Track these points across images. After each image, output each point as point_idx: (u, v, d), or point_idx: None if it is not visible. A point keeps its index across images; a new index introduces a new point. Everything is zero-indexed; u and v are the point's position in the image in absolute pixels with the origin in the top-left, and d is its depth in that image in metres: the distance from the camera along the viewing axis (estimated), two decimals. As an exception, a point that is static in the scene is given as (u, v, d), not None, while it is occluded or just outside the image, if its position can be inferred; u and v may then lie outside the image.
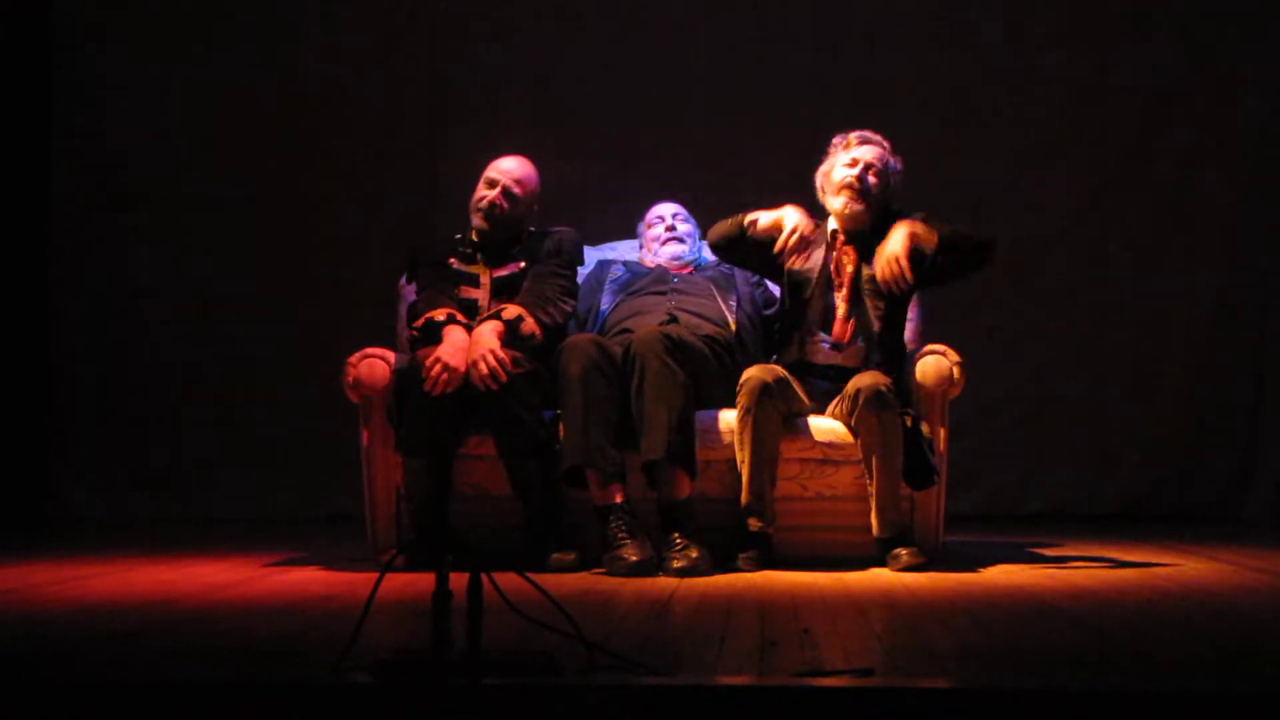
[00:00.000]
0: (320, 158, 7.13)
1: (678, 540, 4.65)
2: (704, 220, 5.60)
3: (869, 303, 5.00)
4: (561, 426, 4.83)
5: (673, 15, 7.13)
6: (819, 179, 5.11)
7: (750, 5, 7.13)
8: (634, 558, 4.59)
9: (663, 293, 5.27)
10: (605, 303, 5.33)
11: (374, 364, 4.92)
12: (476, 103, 7.06)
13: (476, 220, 5.16)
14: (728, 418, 4.87)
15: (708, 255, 5.53)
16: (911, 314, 5.37)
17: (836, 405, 4.92)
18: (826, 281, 5.06)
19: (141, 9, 7.19)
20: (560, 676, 2.75)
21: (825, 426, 4.93)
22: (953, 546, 5.25)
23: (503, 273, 5.12)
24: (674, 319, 5.09)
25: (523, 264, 5.12)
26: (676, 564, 4.58)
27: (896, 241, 4.85)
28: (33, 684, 2.82)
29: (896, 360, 5.00)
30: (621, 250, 5.66)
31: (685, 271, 5.41)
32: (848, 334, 5.00)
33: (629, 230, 5.69)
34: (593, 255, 5.53)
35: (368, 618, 2.89)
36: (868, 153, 5.06)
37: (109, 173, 7.17)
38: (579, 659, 2.84)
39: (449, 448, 4.84)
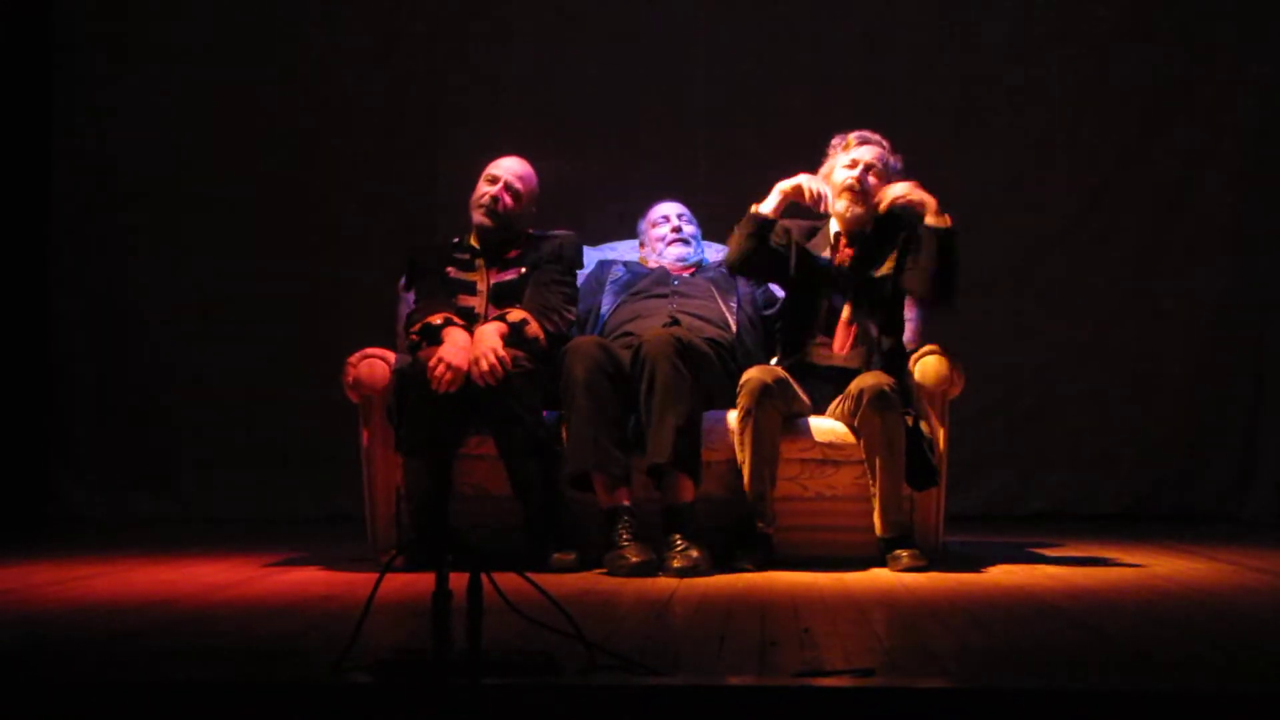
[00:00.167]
0: (320, 158, 7.13)
1: (678, 541, 4.65)
2: (704, 220, 5.60)
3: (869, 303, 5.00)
4: (565, 429, 4.82)
5: (673, 15, 7.12)
6: (820, 181, 5.10)
7: (751, 5, 7.12)
8: (635, 558, 4.59)
9: (664, 295, 5.26)
10: (606, 304, 5.33)
11: (374, 364, 4.92)
12: (476, 103, 7.06)
13: (478, 217, 5.15)
14: (728, 419, 4.87)
15: (709, 256, 5.53)
16: (911, 314, 5.37)
17: (839, 405, 4.92)
18: (829, 283, 5.05)
19: (141, 10, 7.19)
20: (560, 676, 2.75)
21: (825, 427, 4.93)
22: (953, 546, 5.25)
23: (502, 278, 5.11)
24: (675, 322, 5.09)
25: (523, 270, 5.11)
26: (677, 564, 4.58)
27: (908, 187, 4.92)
28: (33, 684, 2.82)
29: (897, 361, 4.99)
30: (621, 250, 5.65)
31: (687, 273, 5.41)
32: (849, 339, 4.99)
33: (629, 230, 5.68)
34: (593, 255, 5.53)
35: (368, 618, 2.89)
36: (867, 153, 5.05)
37: (109, 173, 7.17)
38: (579, 659, 2.84)
39: (449, 448, 4.84)
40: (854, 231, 5.06)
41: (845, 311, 5.00)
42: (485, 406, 4.78)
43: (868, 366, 4.94)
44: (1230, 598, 4.12)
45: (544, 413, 4.86)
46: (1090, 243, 7.07)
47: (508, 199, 5.14)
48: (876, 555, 4.84)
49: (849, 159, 5.05)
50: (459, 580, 2.79)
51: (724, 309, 5.22)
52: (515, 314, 4.93)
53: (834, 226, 5.11)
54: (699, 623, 3.65)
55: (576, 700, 2.67)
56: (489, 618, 2.80)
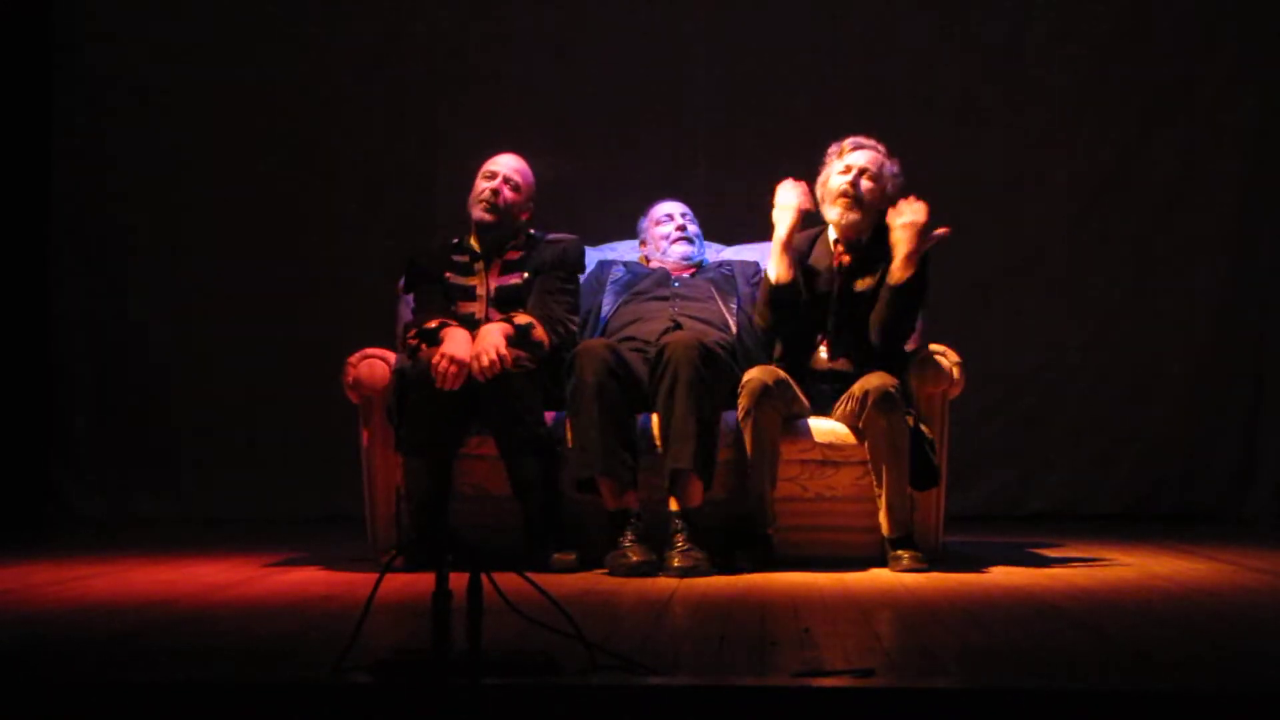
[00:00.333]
0: (320, 158, 7.13)
1: (681, 542, 4.65)
2: (704, 220, 5.60)
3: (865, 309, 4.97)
4: (570, 431, 4.82)
5: (673, 16, 7.12)
6: (818, 190, 5.07)
7: (751, 5, 7.12)
8: (636, 558, 4.60)
9: (665, 298, 5.25)
10: (606, 304, 5.32)
11: (374, 364, 4.92)
12: (476, 102, 7.06)
13: (479, 213, 5.14)
14: (728, 419, 4.87)
15: (710, 256, 5.53)
16: (911, 314, 5.37)
17: (842, 406, 4.91)
18: (827, 293, 5.02)
19: (141, 10, 7.18)
20: (560, 676, 2.75)
21: (825, 428, 4.92)
22: (953, 546, 5.25)
23: (505, 282, 5.10)
24: (677, 325, 5.08)
25: (525, 275, 5.10)
26: (678, 564, 4.59)
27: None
28: (33, 684, 2.82)
29: (898, 362, 4.98)
30: (621, 250, 5.65)
31: (687, 274, 5.40)
32: (837, 347, 4.97)
33: (629, 230, 5.68)
34: (593, 255, 5.52)
35: (368, 618, 2.89)
36: (860, 158, 5.03)
37: (109, 173, 7.17)
38: (579, 659, 2.84)
39: (449, 448, 4.84)
40: (851, 240, 5.03)
41: (832, 321, 4.98)
42: (486, 406, 4.79)
43: (861, 372, 4.92)
44: (1230, 598, 4.12)
45: (545, 414, 4.86)
46: (1090, 243, 7.07)
47: (508, 193, 5.14)
48: (876, 555, 4.84)
49: (843, 165, 5.03)
50: (459, 580, 2.79)
51: (724, 311, 5.22)
52: (521, 317, 4.93)
53: (832, 233, 5.09)
54: (699, 623, 3.65)
55: (576, 700, 2.67)
56: (489, 618, 2.80)
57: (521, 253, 5.16)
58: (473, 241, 5.20)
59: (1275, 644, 3.38)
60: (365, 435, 4.97)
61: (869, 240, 5.02)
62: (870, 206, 5.00)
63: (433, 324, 4.91)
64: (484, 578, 2.81)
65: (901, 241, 4.88)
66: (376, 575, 2.95)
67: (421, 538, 4.76)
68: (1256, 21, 7.02)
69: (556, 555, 4.71)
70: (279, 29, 7.16)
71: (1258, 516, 6.84)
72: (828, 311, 4.98)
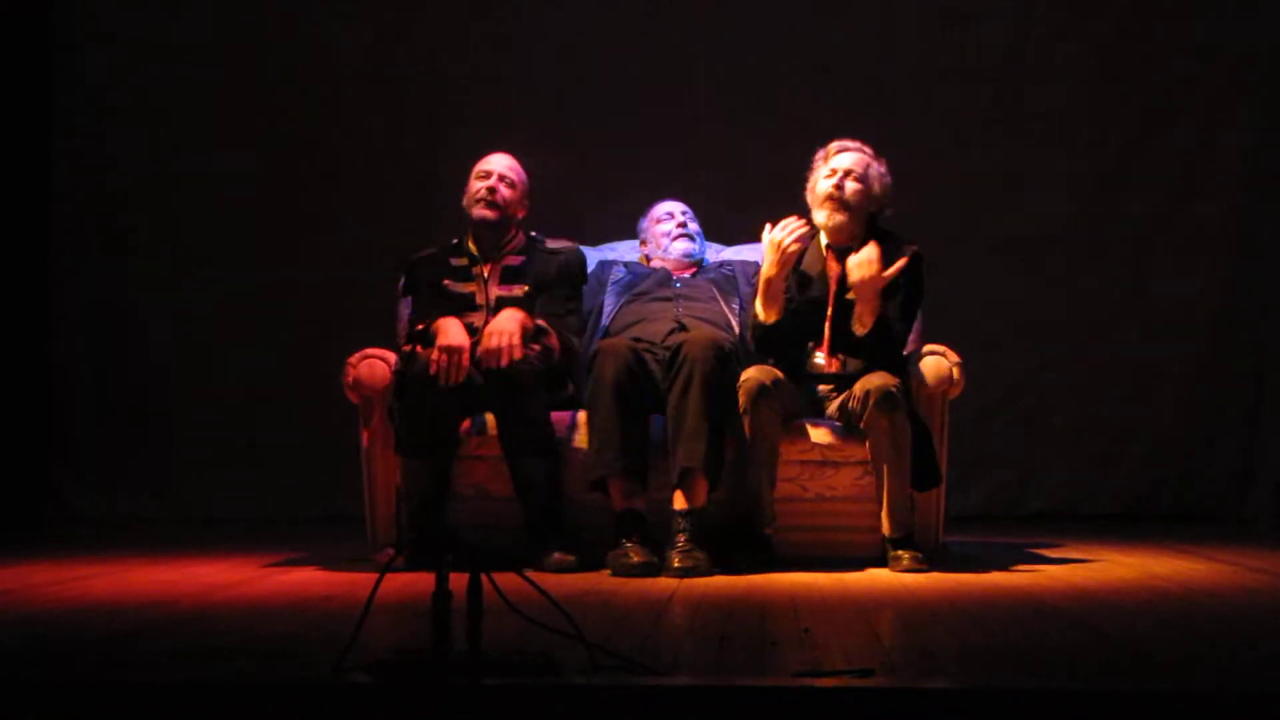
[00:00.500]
0: (320, 158, 7.13)
1: (682, 541, 4.65)
2: (704, 220, 5.60)
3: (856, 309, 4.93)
4: (586, 428, 4.81)
5: (673, 16, 7.12)
6: (807, 195, 5.05)
7: (751, 5, 7.12)
8: (637, 559, 4.60)
9: (668, 298, 5.25)
10: (608, 305, 5.32)
11: (374, 364, 4.92)
12: (476, 103, 7.05)
13: (479, 211, 5.13)
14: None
15: (710, 256, 5.53)
16: (911, 314, 5.36)
17: (842, 406, 4.91)
18: (818, 298, 5.00)
19: (141, 10, 7.18)
20: (560, 676, 2.75)
21: (825, 428, 4.92)
22: (953, 546, 5.25)
23: (506, 293, 5.08)
24: (682, 326, 5.07)
25: (526, 288, 5.09)
26: (678, 564, 4.58)
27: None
28: (33, 684, 2.82)
29: (897, 362, 4.97)
30: (621, 250, 5.65)
31: (688, 274, 5.40)
32: (830, 354, 4.95)
33: (629, 230, 5.68)
34: (593, 255, 5.52)
35: (368, 618, 2.89)
36: (845, 160, 5.01)
37: (109, 173, 7.17)
38: (579, 659, 2.84)
39: (447, 449, 4.84)
40: (842, 247, 5.00)
41: (826, 330, 4.94)
42: (492, 401, 4.78)
43: (857, 373, 4.89)
44: (1230, 598, 4.12)
45: (550, 414, 4.86)
46: (1090, 243, 7.07)
47: (504, 190, 5.14)
48: (876, 555, 4.84)
49: (828, 169, 5.01)
50: (459, 580, 2.79)
51: (726, 311, 5.22)
52: (540, 319, 4.94)
53: (824, 238, 5.07)
54: (699, 623, 3.65)
55: (576, 700, 2.67)
56: (489, 618, 2.80)
57: (522, 258, 5.16)
58: (470, 244, 5.19)
59: (1275, 644, 3.38)
60: (365, 435, 4.97)
61: (860, 246, 4.97)
62: (857, 208, 4.97)
63: (421, 325, 4.90)
64: (484, 578, 2.81)
65: (858, 300, 4.83)
66: (376, 575, 2.95)
67: (417, 538, 4.75)
68: (1258, 21, 7.02)
69: (557, 555, 4.71)
70: (279, 29, 7.16)
71: (1258, 516, 6.84)
72: (821, 318, 4.94)
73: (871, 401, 4.74)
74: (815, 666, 2.90)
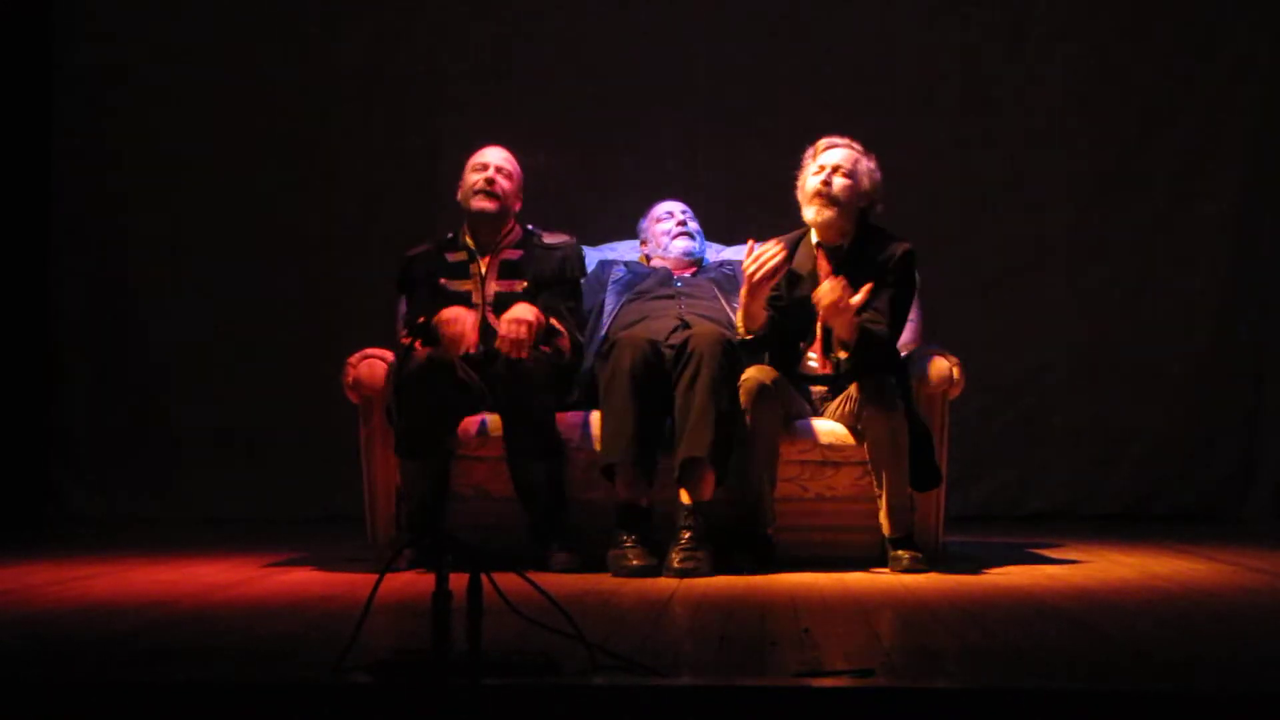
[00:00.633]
0: (320, 158, 7.13)
1: (685, 539, 4.64)
2: (704, 220, 5.60)
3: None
4: (600, 417, 4.81)
5: (674, 16, 7.11)
6: (797, 194, 5.02)
7: (752, 5, 7.11)
8: (637, 561, 4.60)
9: (670, 297, 5.25)
10: (609, 304, 5.32)
11: (374, 364, 4.92)
12: (477, 103, 7.05)
13: (479, 203, 5.09)
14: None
15: (710, 256, 5.53)
16: (912, 314, 5.35)
17: (839, 407, 4.91)
18: (810, 300, 4.98)
19: (141, 10, 7.18)
20: (560, 676, 2.75)
21: (825, 428, 4.92)
22: (953, 546, 5.25)
23: (505, 289, 5.05)
24: (685, 324, 5.07)
25: (525, 284, 5.07)
26: (679, 564, 4.58)
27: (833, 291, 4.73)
28: (33, 684, 2.82)
29: (892, 362, 4.95)
30: (622, 250, 5.65)
31: (688, 273, 5.40)
32: (824, 357, 4.93)
33: (629, 230, 5.69)
34: (593, 255, 5.52)
35: (368, 618, 2.89)
36: (833, 156, 4.98)
37: (109, 173, 7.17)
38: (579, 659, 2.84)
39: (443, 448, 4.82)
40: (833, 245, 4.98)
41: (818, 329, 4.91)
42: (497, 403, 4.78)
43: (850, 373, 4.87)
44: (1230, 598, 4.12)
45: (556, 416, 4.85)
46: (1090, 242, 7.07)
47: (502, 181, 5.12)
48: (876, 555, 4.84)
49: (816, 166, 4.99)
50: (459, 580, 2.79)
51: (728, 310, 5.22)
52: (554, 320, 4.93)
53: (814, 237, 5.04)
54: (699, 623, 3.65)
55: (576, 700, 2.67)
56: (489, 618, 2.80)
57: (519, 252, 5.15)
58: (467, 238, 5.17)
59: (1275, 644, 3.38)
60: (365, 435, 4.97)
61: (850, 245, 4.96)
62: (846, 204, 4.93)
63: (423, 319, 4.90)
64: (484, 578, 2.81)
65: (833, 328, 4.81)
66: (376, 575, 2.95)
67: (418, 538, 4.74)
68: (1257, 21, 7.02)
69: (559, 555, 4.70)
70: (279, 29, 7.16)
71: (1258, 516, 6.84)
72: (812, 318, 4.89)
73: (868, 402, 4.73)
74: (815, 666, 2.90)
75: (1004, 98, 7.08)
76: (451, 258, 5.16)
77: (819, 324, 4.88)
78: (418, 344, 4.86)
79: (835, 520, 4.96)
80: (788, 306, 4.92)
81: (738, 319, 4.94)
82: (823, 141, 5.03)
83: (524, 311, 4.82)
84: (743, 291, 4.85)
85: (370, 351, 4.96)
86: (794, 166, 5.07)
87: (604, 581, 4.46)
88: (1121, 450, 7.03)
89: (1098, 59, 7.07)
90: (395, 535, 4.91)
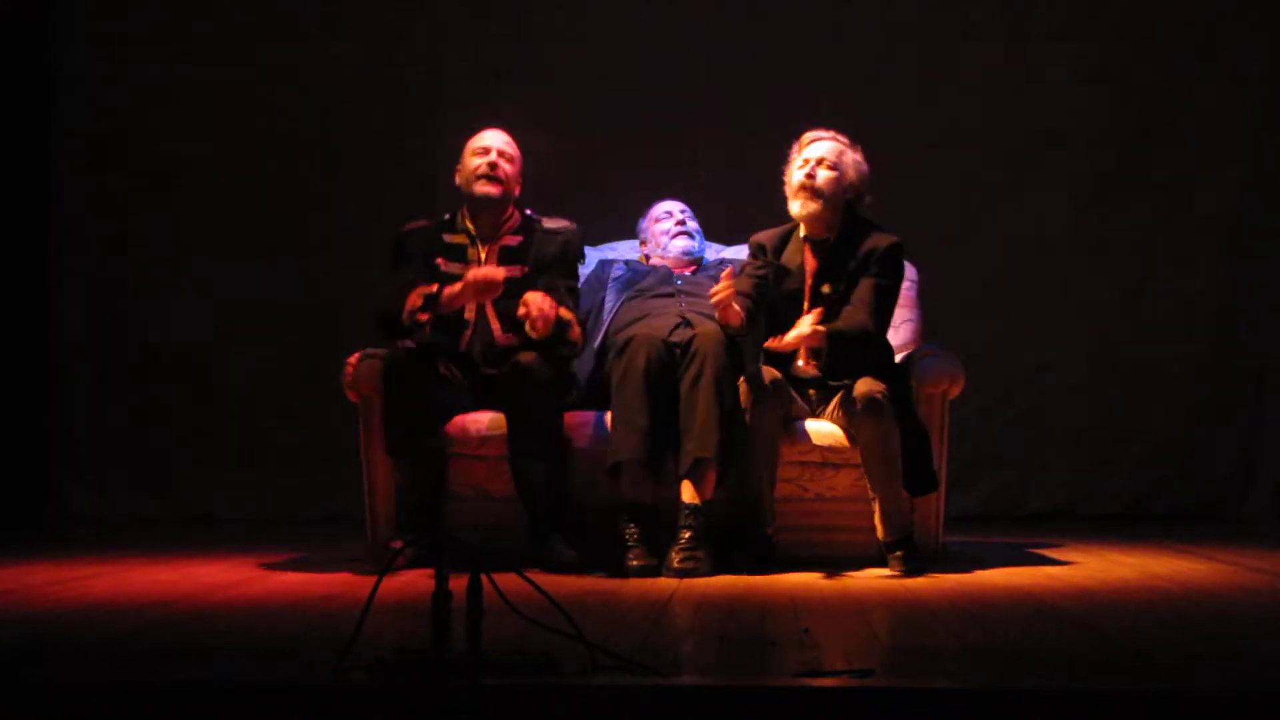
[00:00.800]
0: (320, 157, 7.12)
1: (685, 539, 4.64)
2: (703, 220, 5.60)
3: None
4: (611, 414, 4.80)
5: (674, 16, 7.11)
6: (785, 188, 5.01)
7: (752, 6, 7.11)
8: (637, 562, 4.60)
9: (670, 294, 5.25)
10: (609, 302, 5.32)
11: (373, 364, 4.91)
12: (477, 103, 7.03)
13: (482, 188, 5.02)
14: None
15: (710, 255, 5.53)
16: (911, 314, 5.36)
17: (834, 410, 4.90)
18: (797, 294, 4.96)
19: (141, 9, 7.18)
20: (560, 676, 2.75)
21: (825, 430, 4.91)
22: (953, 546, 5.25)
23: (508, 273, 4.99)
24: (686, 322, 5.07)
25: (526, 268, 5.04)
26: (679, 564, 4.58)
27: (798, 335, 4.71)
28: (33, 684, 2.82)
29: (887, 366, 4.92)
30: (622, 250, 5.66)
31: (688, 271, 5.40)
32: (806, 352, 4.89)
33: (629, 231, 5.69)
34: (593, 255, 5.52)
35: (368, 618, 2.89)
36: (817, 149, 4.95)
37: (109, 172, 7.17)
38: (579, 659, 2.84)
39: (431, 448, 4.80)
40: (819, 238, 4.95)
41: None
42: (500, 401, 4.76)
43: (834, 376, 4.86)
44: (1230, 598, 4.12)
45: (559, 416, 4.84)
46: (1090, 242, 7.07)
47: (505, 165, 5.06)
48: (877, 555, 4.83)
49: (800, 159, 4.98)
50: (459, 580, 2.79)
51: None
52: (565, 311, 4.89)
53: (802, 231, 5.01)
54: (699, 623, 3.65)
55: (576, 700, 2.67)
56: (489, 618, 2.80)
57: (520, 237, 5.08)
58: (467, 222, 5.11)
59: (1275, 644, 3.38)
60: (365, 435, 4.97)
61: (836, 239, 4.93)
62: (831, 196, 4.90)
63: (432, 288, 4.83)
64: (484, 578, 2.81)
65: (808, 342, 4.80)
66: (376, 575, 2.95)
67: (416, 539, 4.72)
68: (1258, 21, 7.02)
69: (558, 555, 4.69)
70: (279, 29, 7.16)
71: (1258, 516, 6.84)
72: (797, 314, 4.87)
73: (857, 408, 4.71)
74: (815, 666, 2.90)
75: (1004, 97, 7.08)
76: (449, 239, 5.08)
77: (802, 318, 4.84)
78: (422, 316, 4.80)
79: (835, 520, 4.96)
80: (776, 301, 4.90)
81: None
82: (808, 135, 5.01)
83: (539, 297, 4.78)
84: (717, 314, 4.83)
85: (370, 351, 4.95)
86: (783, 162, 5.05)
87: (604, 581, 4.46)
88: (1121, 450, 7.03)
89: (1098, 59, 7.07)
90: (393, 535, 4.90)
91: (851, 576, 4.56)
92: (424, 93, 7.12)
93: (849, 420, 4.80)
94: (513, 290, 4.90)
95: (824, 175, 4.91)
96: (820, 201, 4.91)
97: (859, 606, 3.91)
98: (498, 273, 4.82)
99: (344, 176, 7.12)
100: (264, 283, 7.07)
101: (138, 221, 7.16)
